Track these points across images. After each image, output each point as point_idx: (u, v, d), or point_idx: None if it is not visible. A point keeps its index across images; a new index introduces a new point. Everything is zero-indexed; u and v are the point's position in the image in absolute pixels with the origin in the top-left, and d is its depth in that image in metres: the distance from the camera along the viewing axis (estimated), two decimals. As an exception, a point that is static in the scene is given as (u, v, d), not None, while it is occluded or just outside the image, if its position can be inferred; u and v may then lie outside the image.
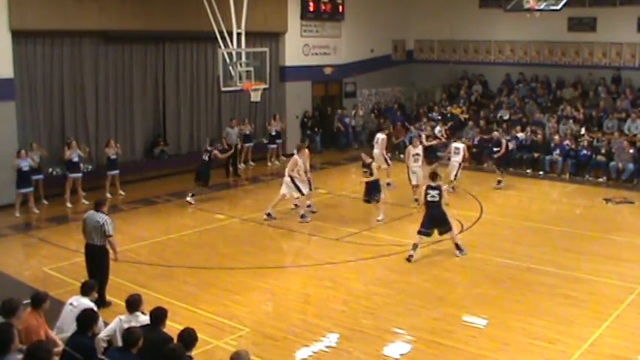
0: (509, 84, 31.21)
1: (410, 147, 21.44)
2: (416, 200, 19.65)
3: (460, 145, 22.00)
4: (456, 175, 21.83)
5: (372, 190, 18.50)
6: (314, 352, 11.16)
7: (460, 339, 11.45)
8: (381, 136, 22.93)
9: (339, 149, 30.16)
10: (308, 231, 18.27)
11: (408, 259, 15.37)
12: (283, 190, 18.87)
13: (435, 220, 15.57)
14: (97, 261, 12.74)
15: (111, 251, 12.86)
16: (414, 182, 20.64)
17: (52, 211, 19.77)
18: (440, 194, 15.57)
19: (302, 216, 18.86)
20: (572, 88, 29.27)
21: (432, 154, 23.53)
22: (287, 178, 18.80)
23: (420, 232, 15.56)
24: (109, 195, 21.41)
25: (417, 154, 20.92)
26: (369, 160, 18.61)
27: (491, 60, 32.36)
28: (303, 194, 18.87)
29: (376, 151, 22.43)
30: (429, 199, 15.58)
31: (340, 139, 30.68)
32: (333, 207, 20.63)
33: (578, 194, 22.42)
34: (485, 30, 31.63)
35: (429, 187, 15.67)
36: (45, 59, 21.65)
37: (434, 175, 15.99)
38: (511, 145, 24.67)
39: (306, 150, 19.92)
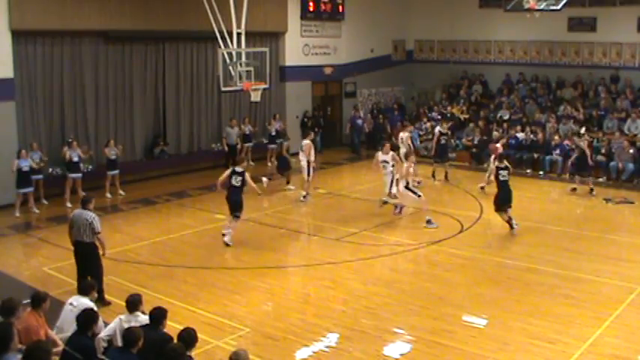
0: (509, 84, 31.20)
1: (379, 153, 19.84)
2: (384, 202, 19.48)
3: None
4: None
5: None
6: (314, 352, 11.16)
7: (460, 339, 11.45)
8: (305, 142, 21.44)
9: (349, 150, 30.02)
10: (308, 231, 18.28)
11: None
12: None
13: (509, 196, 17.46)
14: (88, 258, 12.76)
15: (100, 248, 12.85)
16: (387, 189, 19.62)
17: (52, 211, 19.77)
18: (509, 174, 17.65)
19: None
20: (572, 88, 29.25)
21: (442, 154, 23.70)
22: (305, 163, 20.88)
23: (500, 210, 17.51)
24: (108, 195, 21.47)
25: (386, 162, 19.35)
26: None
27: (491, 60, 32.35)
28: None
29: (301, 157, 21.18)
30: (500, 178, 17.44)
31: (353, 140, 30.12)
32: (333, 207, 20.62)
33: (578, 194, 22.39)
34: (485, 30, 31.62)
35: (499, 168, 17.65)
36: (45, 59, 21.65)
37: (501, 157, 18.39)
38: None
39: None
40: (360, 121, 30.30)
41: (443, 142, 24.14)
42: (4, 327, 7.28)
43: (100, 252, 12.87)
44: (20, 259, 16.52)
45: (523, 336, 11.53)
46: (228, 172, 16.86)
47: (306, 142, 21.32)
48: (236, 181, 16.41)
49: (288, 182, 22.56)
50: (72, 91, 22.39)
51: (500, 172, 17.51)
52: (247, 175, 16.66)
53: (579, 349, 11.00)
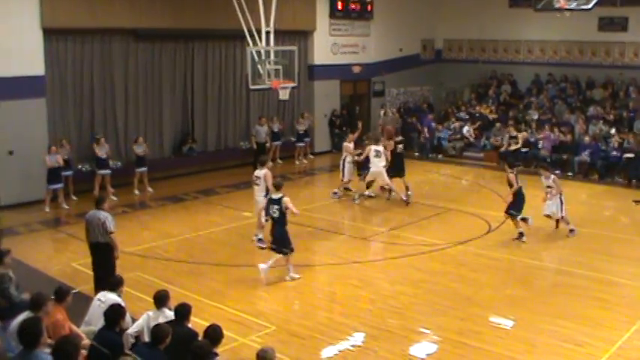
0: (538, 84, 31.00)
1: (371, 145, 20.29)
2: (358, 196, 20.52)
3: (380, 148, 20.19)
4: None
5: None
6: (340, 351, 11.15)
7: (487, 340, 11.39)
8: (345, 144, 21.33)
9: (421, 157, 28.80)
10: (335, 229, 18.27)
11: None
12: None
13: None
14: (103, 259, 12.77)
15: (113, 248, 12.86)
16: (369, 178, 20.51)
17: (81, 207, 19.86)
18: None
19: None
20: (602, 88, 29.02)
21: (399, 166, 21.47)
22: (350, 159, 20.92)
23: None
24: (137, 192, 21.62)
25: (378, 151, 19.98)
26: None
27: (520, 60, 32.15)
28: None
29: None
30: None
31: (425, 146, 29.02)
32: (361, 206, 20.59)
33: (608, 195, 22.21)
34: (514, 29, 31.43)
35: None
36: (75, 57, 21.85)
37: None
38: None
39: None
40: (433, 124, 29.52)
41: (399, 151, 21.25)
42: (33, 322, 7.33)
43: (115, 254, 12.85)
44: (49, 254, 16.67)
45: (551, 338, 11.45)
46: (265, 201, 14.87)
47: (345, 143, 21.55)
48: (272, 210, 14.16)
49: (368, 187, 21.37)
50: (102, 88, 22.57)
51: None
52: (286, 201, 14.03)
53: (607, 352, 10.91)
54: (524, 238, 16.73)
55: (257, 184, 16.50)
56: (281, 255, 14.21)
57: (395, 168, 20.56)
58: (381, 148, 20.11)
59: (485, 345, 11.20)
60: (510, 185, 16.94)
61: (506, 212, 17.02)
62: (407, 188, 20.55)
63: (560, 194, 17.19)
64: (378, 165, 20.00)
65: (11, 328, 8.57)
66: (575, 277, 14.34)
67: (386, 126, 23.73)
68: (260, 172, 16.48)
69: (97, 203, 13.03)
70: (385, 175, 20.11)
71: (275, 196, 14.13)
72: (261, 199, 16.10)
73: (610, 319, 12.25)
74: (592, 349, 11.03)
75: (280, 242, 14.16)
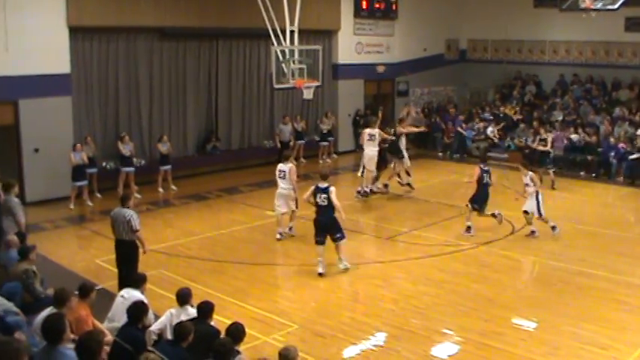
0: (563, 85, 30.83)
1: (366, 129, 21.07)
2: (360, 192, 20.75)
3: (375, 132, 20.62)
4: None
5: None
6: (362, 351, 11.16)
7: (509, 341, 11.35)
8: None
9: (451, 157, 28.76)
10: (358, 229, 18.27)
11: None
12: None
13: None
14: (127, 256, 12.84)
15: (140, 246, 12.93)
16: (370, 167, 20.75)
17: (106, 205, 19.99)
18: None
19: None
20: (628, 89, 28.81)
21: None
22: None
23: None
24: (161, 190, 21.73)
25: (372, 135, 20.52)
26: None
27: (545, 60, 31.99)
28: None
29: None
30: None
31: (450, 146, 29.17)
32: (385, 206, 20.58)
33: (633, 198, 22.05)
34: (539, 30, 31.26)
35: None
36: (101, 55, 22.02)
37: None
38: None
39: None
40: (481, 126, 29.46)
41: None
42: (57, 318, 7.39)
43: (141, 250, 12.90)
44: (74, 251, 16.81)
45: (574, 340, 11.38)
46: (311, 189, 14.75)
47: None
48: (321, 199, 14.40)
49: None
50: (126, 86, 22.73)
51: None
52: (333, 193, 14.35)
53: (631, 355, 10.85)
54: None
55: (281, 177, 16.88)
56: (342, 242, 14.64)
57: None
58: (375, 131, 20.53)
59: (508, 347, 11.15)
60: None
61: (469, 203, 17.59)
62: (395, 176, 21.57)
63: (537, 193, 17.19)
64: (371, 149, 20.47)
65: (35, 324, 8.64)
66: (599, 280, 14.23)
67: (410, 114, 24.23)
68: (285, 167, 16.95)
69: (122, 201, 13.08)
70: (374, 162, 20.55)
71: (322, 185, 14.44)
72: (285, 191, 16.62)
73: (633, 322, 12.16)
74: (616, 352, 10.95)
75: (333, 229, 14.44)
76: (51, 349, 7.03)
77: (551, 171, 22.44)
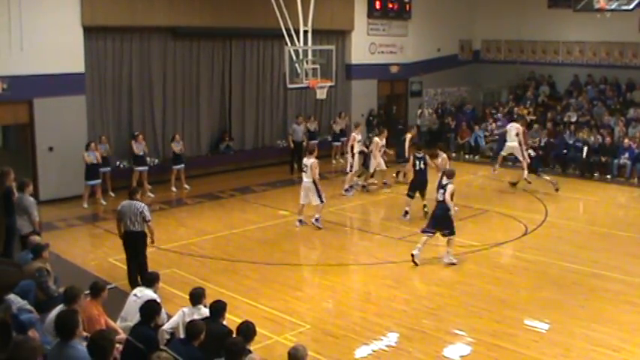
0: (577, 85, 30.71)
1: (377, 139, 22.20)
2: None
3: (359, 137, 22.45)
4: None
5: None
6: (373, 351, 11.16)
7: (521, 343, 11.33)
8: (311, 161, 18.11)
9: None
10: (371, 229, 18.27)
11: None
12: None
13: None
14: (138, 246, 13.29)
15: (149, 235, 13.35)
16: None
17: (119, 204, 19.99)
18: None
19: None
20: (642, 90, 28.70)
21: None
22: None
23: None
24: (174, 189, 21.77)
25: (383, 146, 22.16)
26: None
27: (559, 61, 31.87)
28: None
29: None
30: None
31: (463, 147, 28.95)
32: (396, 206, 20.56)
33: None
34: (553, 30, 31.15)
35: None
36: (114, 54, 22.08)
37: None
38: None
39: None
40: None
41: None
42: (70, 314, 7.46)
43: (149, 240, 13.34)
44: (87, 250, 16.88)
45: (586, 342, 11.35)
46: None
47: (376, 138, 22.46)
48: (439, 194, 15.31)
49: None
50: (140, 86, 22.79)
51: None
52: (451, 189, 15.31)
53: (644, 358, 10.82)
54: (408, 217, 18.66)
55: (304, 171, 17.82)
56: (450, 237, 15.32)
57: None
58: (383, 142, 22.10)
59: (520, 348, 11.13)
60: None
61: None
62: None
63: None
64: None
65: (47, 322, 8.70)
66: (612, 282, 14.19)
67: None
68: (308, 161, 17.71)
69: (131, 194, 13.57)
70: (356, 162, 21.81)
71: (444, 181, 15.31)
72: (307, 184, 17.60)
73: (647, 324, 12.13)
74: (628, 355, 10.92)
75: (443, 224, 15.23)
76: (64, 344, 7.11)
77: (544, 175, 22.22)
